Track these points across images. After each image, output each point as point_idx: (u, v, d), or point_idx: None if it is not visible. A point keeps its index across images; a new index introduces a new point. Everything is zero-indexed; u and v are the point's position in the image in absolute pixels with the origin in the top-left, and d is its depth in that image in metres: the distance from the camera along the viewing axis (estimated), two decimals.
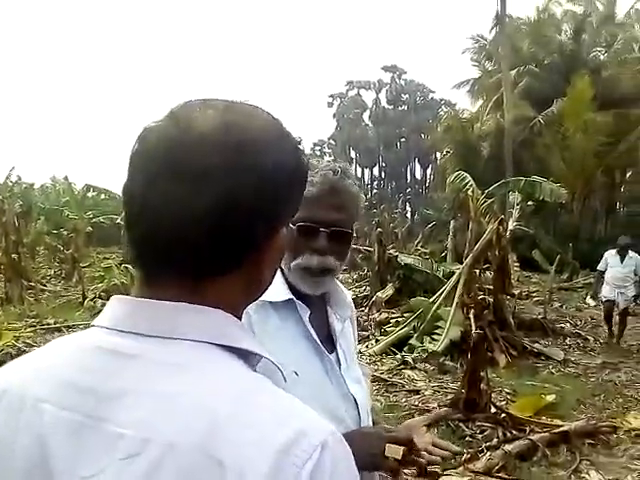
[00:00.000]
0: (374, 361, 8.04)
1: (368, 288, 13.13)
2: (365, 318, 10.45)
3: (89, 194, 26.78)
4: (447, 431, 5.30)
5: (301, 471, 0.58)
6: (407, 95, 56.27)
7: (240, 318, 0.74)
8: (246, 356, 0.69)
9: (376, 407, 5.98)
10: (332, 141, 59.42)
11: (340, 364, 1.49)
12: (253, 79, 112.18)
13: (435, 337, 8.40)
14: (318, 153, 61.14)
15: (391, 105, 57.02)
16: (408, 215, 46.43)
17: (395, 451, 1.39)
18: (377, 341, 8.91)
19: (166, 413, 0.61)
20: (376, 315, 10.46)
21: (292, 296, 1.45)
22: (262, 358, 0.72)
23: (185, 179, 0.65)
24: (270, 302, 1.42)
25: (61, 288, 15.46)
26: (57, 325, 10.21)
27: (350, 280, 16.18)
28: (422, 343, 8.32)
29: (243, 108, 0.72)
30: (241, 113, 0.71)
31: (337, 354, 1.51)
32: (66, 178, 25.35)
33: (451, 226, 17.87)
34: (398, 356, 8.12)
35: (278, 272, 1.45)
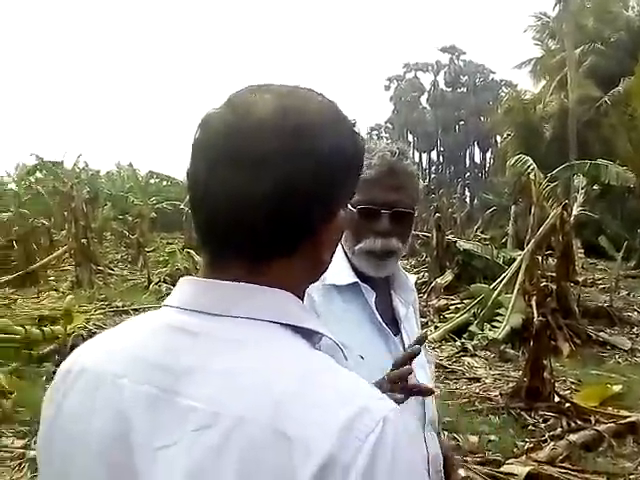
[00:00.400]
0: (433, 348, 8.01)
1: (427, 274, 13.04)
2: (424, 304, 10.41)
3: (152, 180, 27.49)
4: (509, 420, 5.26)
5: (364, 444, 0.60)
6: (466, 77, 55.08)
7: (302, 299, 0.76)
8: (309, 336, 0.72)
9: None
10: (389, 125, 58.87)
11: (405, 348, 1.49)
12: (310, 62, 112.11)
13: (495, 324, 8.31)
14: (375, 137, 60.73)
15: (449, 87, 55.97)
16: (467, 200, 45.70)
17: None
18: (436, 327, 8.87)
19: (234, 389, 0.64)
20: (435, 301, 10.41)
21: (357, 279, 1.48)
22: (323, 338, 0.74)
23: (244, 165, 0.67)
24: (335, 285, 1.46)
25: (128, 272, 15.99)
26: (125, 308, 10.58)
27: (409, 266, 16.11)
28: (482, 330, 8.24)
29: (299, 92, 0.74)
30: (298, 97, 0.73)
31: (402, 337, 1.52)
32: (130, 165, 26.06)
33: (512, 211, 17.53)
34: (458, 343, 8.07)
35: (342, 255, 1.50)
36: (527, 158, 11.48)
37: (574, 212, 11.76)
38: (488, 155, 53.50)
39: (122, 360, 0.71)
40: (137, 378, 0.68)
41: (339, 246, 1.47)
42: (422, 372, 1.52)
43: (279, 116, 0.69)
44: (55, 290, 11.85)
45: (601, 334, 8.62)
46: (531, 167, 11.10)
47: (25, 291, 12.02)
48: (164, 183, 27.66)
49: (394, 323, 1.54)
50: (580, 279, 11.23)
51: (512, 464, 4.39)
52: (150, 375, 0.68)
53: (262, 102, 0.70)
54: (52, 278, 13.53)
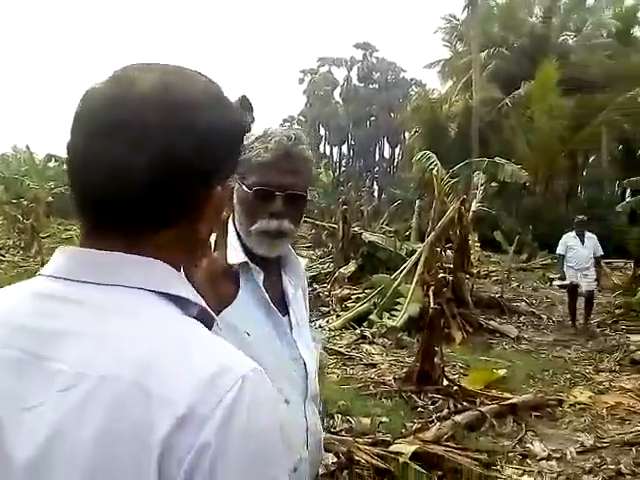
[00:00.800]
0: (333, 336, 8.16)
1: (332, 264, 13.22)
2: (327, 294, 10.55)
3: (50, 164, 26.20)
4: (400, 402, 5.45)
5: (222, 400, 0.63)
6: (378, 73, 56.08)
7: (183, 271, 0.78)
8: (184, 305, 0.74)
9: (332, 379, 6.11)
10: (302, 117, 58.98)
11: (292, 327, 1.56)
12: (223, 54, 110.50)
13: (394, 313, 8.56)
14: None
15: (362, 83, 56.81)
16: (375, 194, 46.66)
17: None
18: (338, 316, 9.03)
19: (102, 350, 0.66)
20: (338, 291, 10.58)
21: (247, 259, 1.51)
22: (200, 309, 0.76)
23: (123, 137, 0.68)
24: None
25: (19, 258, 15.22)
26: None
27: (314, 257, 16.27)
28: (381, 319, 8.46)
29: (184, 71, 0.76)
30: (181, 75, 0.74)
31: (289, 318, 1.57)
32: (27, 147, 24.73)
33: (416, 205, 18.06)
34: (357, 331, 8.25)
35: (234, 236, 1.53)
36: (431, 154, 11.83)
37: (473, 207, 12.28)
38: (397, 150, 54.83)
39: None
40: (1, 342, 0.69)
41: (231, 227, 1.56)
42: (307, 351, 1.58)
43: (161, 91, 0.70)
44: None
45: (491, 323, 9.09)
46: (434, 163, 11.45)
47: None
48: (64, 167, 26.36)
49: (283, 304, 1.58)
50: (475, 271, 11.76)
51: (400, 444, 4.56)
52: (15, 339, 0.69)
53: (145, 77, 0.71)
54: None
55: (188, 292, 0.75)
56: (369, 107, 55.08)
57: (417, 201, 18.36)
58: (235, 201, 1.53)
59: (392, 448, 4.46)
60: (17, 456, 0.66)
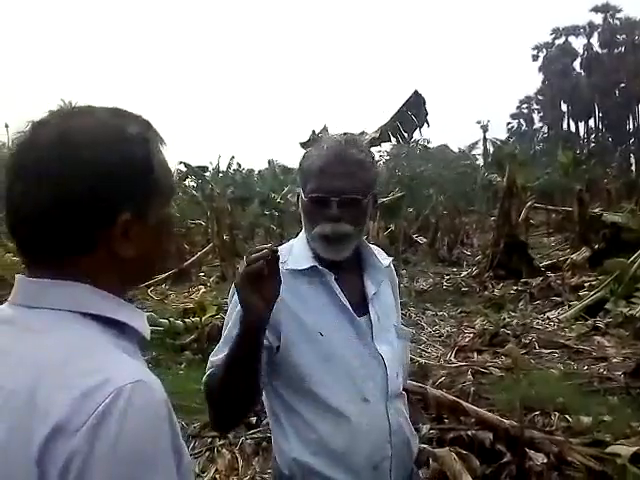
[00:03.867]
0: (562, 327, 7.66)
1: (569, 251, 12.37)
2: (559, 282, 9.91)
3: (284, 176, 28.52)
4: (627, 399, 4.95)
5: (94, 412, 0.71)
6: (623, 35, 50.54)
7: (121, 293, 0.89)
8: (121, 328, 0.85)
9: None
10: (540, 96, 55.69)
11: (372, 326, 1.60)
12: (448, 39, 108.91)
13: (634, 300, 7.73)
14: (525, 111, 57.87)
15: (605, 49, 51.70)
16: (633, 168, 41.98)
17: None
18: (570, 306, 8.45)
19: (18, 366, 0.78)
20: (572, 279, 9.87)
21: (315, 263, 1.59)
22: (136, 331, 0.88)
23: (25, 179, 0.81)
24: (297, 270, 1.59)
25: None
26: None
27: (554, 243, 15.35)
28: (618, 307, 7.71)
29: (85, 117, 0.86)
30: (80, 122, 0.85)
31: (369, 317, 1.61)
32: (270, 162, 27.00)
33: None
34: (590, 322, 7.63)
35: (304, 242, 1.63)
36: None
37: None
38: None
39: None
40: None
41: (302, 233, 1.66)
42: (388, 347, 1.62)
43: (56, 138, 0.82)
44: (204, 285, 12.82)
45: None
46: None
47: (180, 287, 13.14)
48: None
49: (364, 303, 1.63)
50: None
51: (620, 444, 4.17)
52: None
53: (46, 126, 0.85)
54: (203, 274, 14.63)
55: (111, 311, 0.84)
56: (616, 74, 49.84)
57: None
58: (300, 209, 1.62)
59: (609, 449, 4.10)
60: None
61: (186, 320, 8.88)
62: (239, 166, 32.32)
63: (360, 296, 1.64)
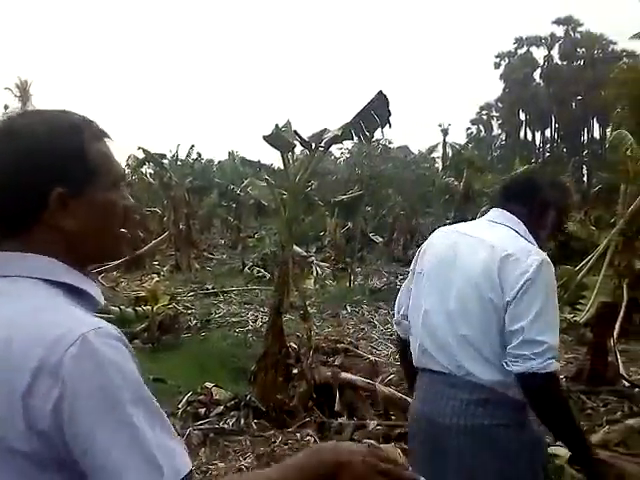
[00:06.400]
0: None
1: None
2: None
3: (244, 168, 28.35)
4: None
5: (66, 352, 0.87)
6: (583, 49, 51.90)
7: (80, 269, 1.03)
8: (73, 290, 0.99)
9: None
10: (500, 104, 56.73)
11: None
12: (413, 43, 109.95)
13: (579, 307, 7.97)
14: (485, 117, 58.86)
15: (565, 61, 53.01)
16: (585, 179, 43.21)
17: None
18: None
19: None
20: None
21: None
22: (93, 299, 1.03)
23: None
24: None
25: (227, 257, 16.76)
26: (214, 290, 11.16)
27: None
28: (563, 313, 7.93)
29: (26, 117, 1.04)
30: (21, 119, 1.03)
31: None
32: (231, 153, 26.81)
33: (621, 190, 16.47)
34: None
35: (526, 231, 2.15)
36: (625, 133, 10.75)
37: None
38: (608, 130, 50.24)
39: None
40: None
41: (522, 225, 2.17)
42: None
43: (3, 133, 1.01)
44: (157, 274, 12.68)
45: None
46: (629, 142, 10.40)
47: (132, 274, 12.96)
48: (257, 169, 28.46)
49: None
50: None
51: (559, 446, 4.30)
52: None
53: None
54: (157, 263, 14.46)
55: (67, 277, 0.99)
56: (574, 86, 51.15)
57: (622, 185, 16.78)
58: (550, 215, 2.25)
59: (549, 450, 4.22)
60: None
61: (137, 309, 8.78)
62: (199, 155, 31.89)
63: None
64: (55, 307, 0.95)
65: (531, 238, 2.14)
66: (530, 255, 2.01)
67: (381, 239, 19.22)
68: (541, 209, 2.23)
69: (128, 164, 19.05)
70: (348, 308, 10.05)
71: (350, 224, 15.58)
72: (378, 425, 4.71)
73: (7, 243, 0.99)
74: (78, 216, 1.00)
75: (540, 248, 2.10)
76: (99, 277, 11.54)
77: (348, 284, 12.49)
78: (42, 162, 0.98)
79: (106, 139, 1.08)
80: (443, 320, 2.09)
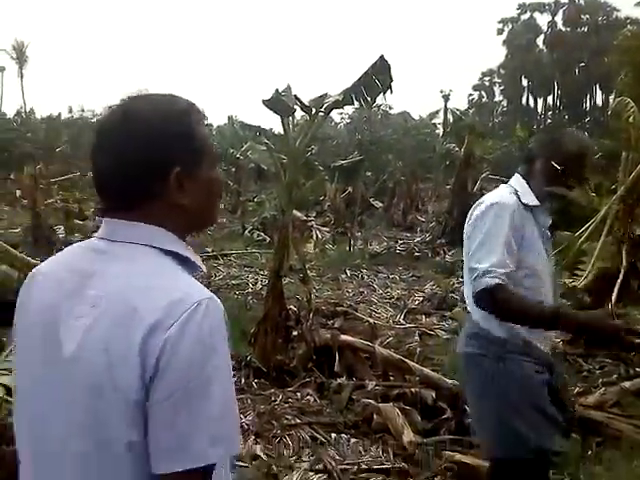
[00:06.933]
0: None
1: None
2: None
3: (243, 132, 28.07)
4: (564, 367, 5.17)
5: (181, 315, 0.99)
6: (587, 15, 51.06)
7: (183, 235, 1.16)
8: (182, 259, 1.12)
9: None
10: (502, 70, 56.07)
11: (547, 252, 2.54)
12: (416, 7, 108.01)
13: (578, 272, 8.01)
14: (487, 83, 58.22)
15: (569, 27, 52.20)
16: None
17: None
18: None
19: (114, 283, 1.05)
20: None
21: (539, 203, 2.47)
22: (189, 259, 1.14)
23: (105, 148, 1.13)
24: (525, 204, 2.43)
25: (227, 220, 16.74)
26: (214, 253, 11.16)
27: None
28: (562, 278, 7.97)
29: (144, 99, 1.15)
30: (139, 103, 1.14)
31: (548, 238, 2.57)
32: (230, 118, 26.47)
33: (622, 157, 16.39)
34: None
35: (525, 186, 2.50)
36: (628, 100, 10.65)
37: None
38: (611, 98, 49.74)
39: (57, 265, 1.17)
40: (67, 277, 1.11)
41: (519, 180, 2.53)
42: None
43: (121, 118, 1.12)
44: None
45: None
46: (632, 109, 10.31)
47: None
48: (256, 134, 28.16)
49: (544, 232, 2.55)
50: None
51: None
52: (74, 275, 1.10)
53: (112, 114, 1.14)
54: None
55: (179, 248, 1.12)
56: (578, 53, 50.49)
57: (623, 153, 16.69)
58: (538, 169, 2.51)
59: None
60: (65, 349, 1.05)
61: None
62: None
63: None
64: (170, 272, 1.08)
65: (525, 189, 2.50)
66: (484, 201, 2.46)
67: (381, 204, 19.18)
68: (528, 161, 2.57)
69: None
70: (348, 272, 10.07)
71: (350, 189, 15.52)
72: (377, 385, 4.77)
73: (124, 214, 1.11)
74: (189, 192, 1.12)
75: (538, 199, 2.48)
76: None
77: (348, 248, 12.49)
78: (161, 144, 1.10)
79: (205, 120, 1.19)
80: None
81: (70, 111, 40.89)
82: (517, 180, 2.54)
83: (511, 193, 2.47)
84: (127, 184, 1.09)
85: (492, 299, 2.28)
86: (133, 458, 1.00)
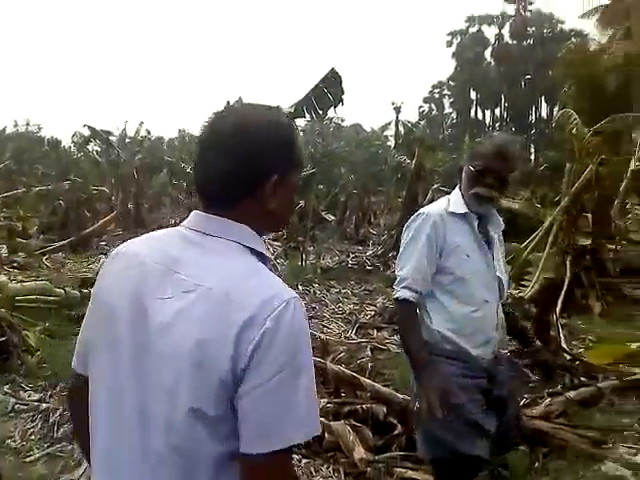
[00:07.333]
0: None
1: None
2: None
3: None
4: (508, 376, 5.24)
5: (273, 312, 1.08)
6: (533, 28, 52.57)
7: (260, 234, 1.24)
8: (262, 257, 1.21)
9: None
10: (451, 82, 57.18)
11: (493, 257, 2.62)
12: (366, 20, 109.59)
13: (524, 283, 8.17)
14: (437, 96, 59.29)
15: (515, 40, 53.65)
16: (532, 157, 44.13)
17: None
18: None
19: (207, 273, 1.13)
20: None
21: (468, 211, 2.58)
22: (268, 258, 1.24)
23: (215, 152, 1.21)
24: (453, 213, 2.58)
25: None
26: None
27: None
28: (509, 289, 8.11)
29: (253, 111, 1.25)
30: (249, 115, 1.24)
31: (492, 251, 2.63)
32: (181, 131, 26.35)
33: (566, 168, 16.86)
34: None
35: (458, 195, 2.63)
36: (571, 112, 10.99)
37: (631, 166, 11.26)
38: (556, 110, 51.26)
39: (148, 248, 1.24)
40: (154, 259, 1.20)
41: (456, 190, 2.66)
42: (503, 275, 2.72)
43: (231, 125, 1.21)
44: (104, 254, 12.37)
45: (638, 292, 8.34)
46: (575, 121, 10.63)
47: (78, 256, 12.62)
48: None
49: (488, 243, 2.64)
50: (634, 237, 10.83)
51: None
52: (162, 259, 1.19)
53: (224, 118, 1.24)
54: (104, 243, 14.11)
55: (261, 248, 1.22)
56: (524, 65, 51.89)
57: (567, 164, 17.19)
58: (463, 176, 2.62)
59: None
60: (152, 322, 1.13)
61: (83, 290, 8.55)
62: (148, 133, 31.29)
63: (486, 237, 2.64)
64: (261, 271, 1.18)
65: (458, 198, 2.68)
66: (417, 212, 2.71)
67: (333, 217, 19.24)
68: (459, 171, 2.71)
69: (73, 141, 18.48)
70: (300, 287, 10.04)
71: (302, 202, 15.52)
72: (328, 403, 4.73)
73: (220, 210, 1.20)
74: (278, 198, 1.22)
75: (468, 206, 2.63)
76: (43, 258, 11.22)
77: (300, 263, 12.46)
78: (270, 152, 1.20)
79: (298, 131, 1.29)
80: None
81: (15, 125, 39.79)
82: (455, 191, 2.70)
83: (443, 203, 2.68)
84: (234, 185, 1.19)
85: (397, 311, 2.67)
86: (203, 428, 1.09)
